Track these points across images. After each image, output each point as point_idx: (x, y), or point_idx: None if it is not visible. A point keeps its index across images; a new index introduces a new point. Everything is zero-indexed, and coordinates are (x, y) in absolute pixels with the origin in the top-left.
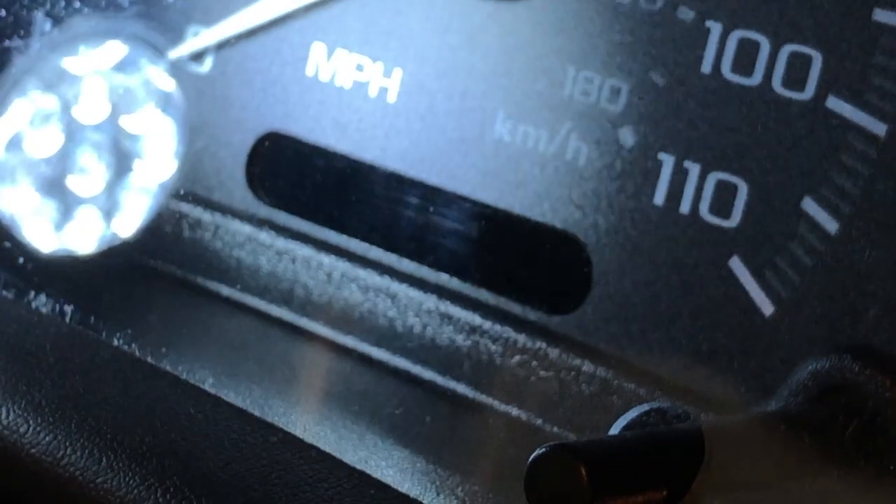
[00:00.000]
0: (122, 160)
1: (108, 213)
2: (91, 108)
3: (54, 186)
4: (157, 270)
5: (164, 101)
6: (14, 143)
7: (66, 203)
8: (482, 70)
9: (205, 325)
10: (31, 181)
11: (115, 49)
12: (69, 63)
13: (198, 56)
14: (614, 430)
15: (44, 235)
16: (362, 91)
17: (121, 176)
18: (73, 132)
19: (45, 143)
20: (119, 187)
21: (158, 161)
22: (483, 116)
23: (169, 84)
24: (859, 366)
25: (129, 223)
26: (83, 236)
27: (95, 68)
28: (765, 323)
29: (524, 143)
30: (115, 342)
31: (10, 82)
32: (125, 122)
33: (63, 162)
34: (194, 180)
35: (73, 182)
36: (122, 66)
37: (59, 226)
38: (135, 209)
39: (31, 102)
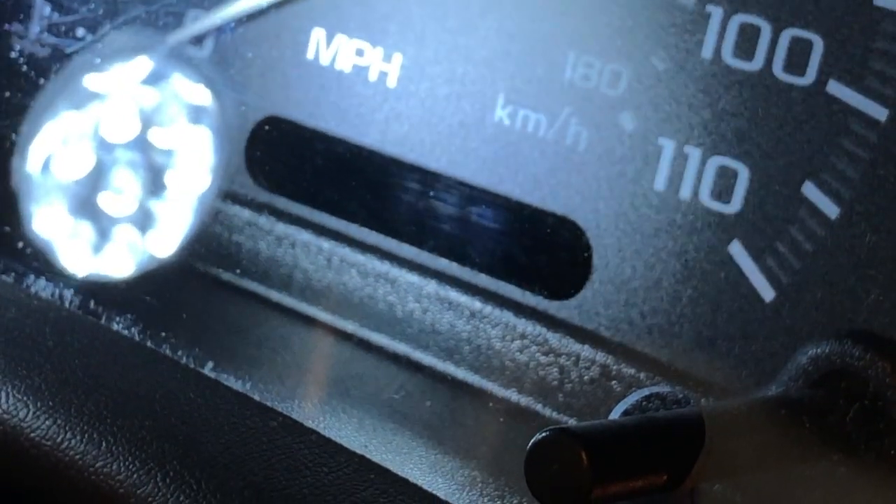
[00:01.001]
0: (155, 176)
1: (144, 232)
2: (122, 126)
3: (88, 207)
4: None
5: (196, 113)
6: (47, 166)
7: (102, 224)
8: (482, 54)
9: (204, 310)
10: (65, 203)
11: (143, 64)
12: (97, 82)
13: (197, 40)
14: (614, 414)
15: (80, 258)
16: (362, 75)
17: (155, 192)
18: (105, 151)
19: (78, 163)
20: (154, 204)
21: (193, 175)
22: (483, 101)
23: (201, 95)
24: (860, 350)
25: (166, 241)
26: (120, 257)
27: (124, 85)
28: (765, 308)
29: (524, 127)
30: (115, 326)
31: (42, 105)
32: (156, 137)
33: (96, 182)
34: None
35: (106, 202)
36: (150, 81)
37: (96, 247)
38: (172, 225)
39: (62, 124)
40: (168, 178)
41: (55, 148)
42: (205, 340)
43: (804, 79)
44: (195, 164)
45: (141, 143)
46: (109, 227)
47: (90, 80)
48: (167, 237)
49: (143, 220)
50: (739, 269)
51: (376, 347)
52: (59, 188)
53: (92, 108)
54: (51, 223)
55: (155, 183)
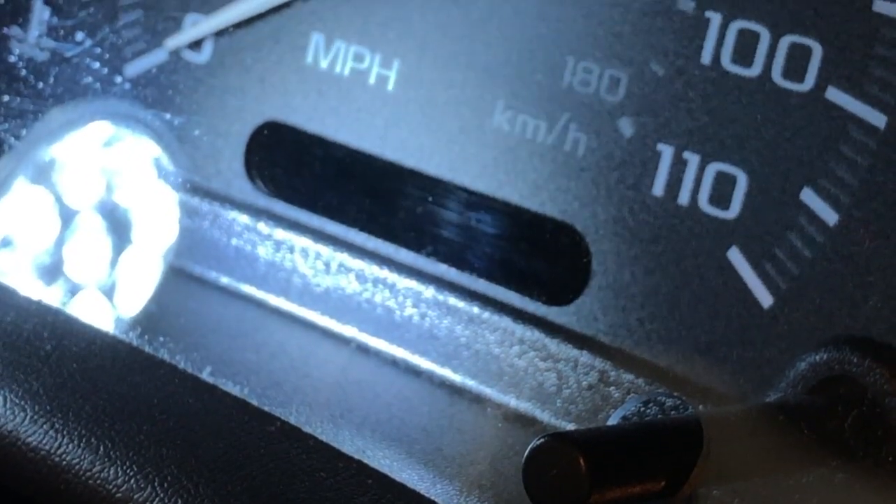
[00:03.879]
0: (121, 236)
1: (111, 293)
2: (85, 191)
3: (55, 274)
4: (154, 259)
5: (157, 170)
6: (9, 239)
7: (69, 289)
8: (482, 60)
9: (202, 314)
10: (32, 272)
11: (101, 128)
12: (57, 151)
13: (196, 45)
14: (612, 420)
15: None
16: (361, 80)
17: (121, 252)
18: (69, 218)
19: (42, 233)
20: (120, 264)
21: (158, 230)
22: (482, 106)
23: (157, 151)
24: (858, 357)
25: (134, 299)
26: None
27: (84, 151)
28: (763, 314)
29: (523, 132)
30: (113, 331)
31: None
32: (120, 197)
33: (61, 249)
34: (193, 169)
35: (73, 267)
36: (110, 143)
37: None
38: (139, 283)
39: (23, 196)
40: (133, 235)
41: (15, 221)
42: (203, 345)
43: (803, 85)
44: (160, 220)
45: (105, 205)
46: (76, 291)
47: (48, 151)
48: (134, 295)
49: (111, 281)
50: (738, 275)
51: (374, 352)
52: (23, 259)
53: (53, 179)
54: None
55: (120, 242)
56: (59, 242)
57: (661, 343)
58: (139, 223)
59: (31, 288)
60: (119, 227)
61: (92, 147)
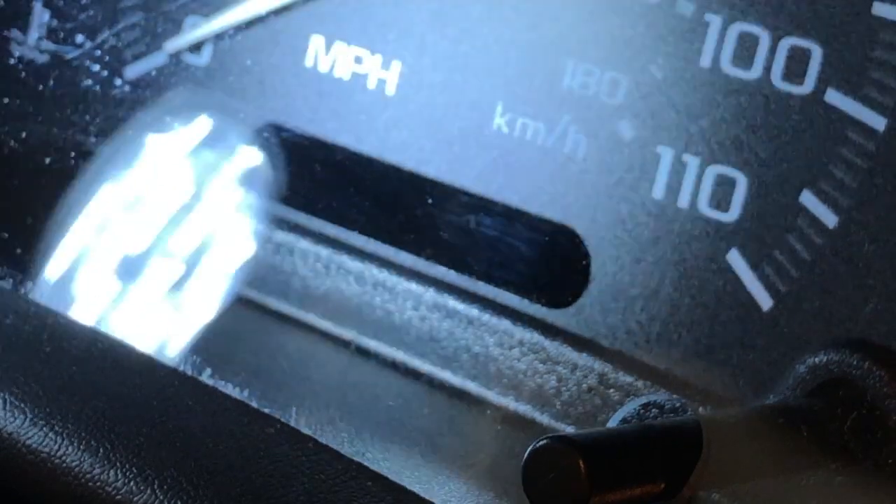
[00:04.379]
0: (201, 242)
1: (185, 300)
2: (176, 189)
3: (136, 272)
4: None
5: (249, 178)
6: (101, 229)
7: (147, 289)
8: (481, 62)
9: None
10: (114, 268)
11: (201, 124)
12: (155, 142)
13: (196, 47)
14: (612, 422)
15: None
16: (361, 83)
17: (199, 259)
18: (158, 214)
19: (131, 227)
20: (196, 271)
21: (237, 243)
22: (482, 109)
23: (255, 158)
24: (858, 359)
25: (205, 308)
26: (162, 324)
27: (181, 147)
28: (763, 317)
29: (523, 135)
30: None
31: (97, 167)
32: (208, 201)
33: (146, 246)
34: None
35: (154, 268)
36: (207, 143)
37: (140, 314)
38: (211, 294)
39: (117, 186)
40: (213, 244)
41: (111, 211)
42: (202, 347)
43: (803, 87)
44: (242, 228)
45: (192, 207)
46: (155, 293)
47: (151, 141)
48: (206, 304)
49: (185, 287)
50: (737, 277)
51: (374, 355)
52: (109, 252)
53: (148, 171)
54: (96, 286)
55: (200, 249)
56: (147, 239)
57: (660, 345)
58: (221, 232)
59: (108, 284)
60: (201, 233)
61: (191, 143)
